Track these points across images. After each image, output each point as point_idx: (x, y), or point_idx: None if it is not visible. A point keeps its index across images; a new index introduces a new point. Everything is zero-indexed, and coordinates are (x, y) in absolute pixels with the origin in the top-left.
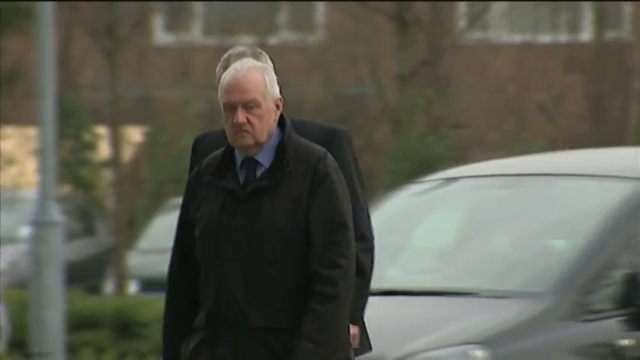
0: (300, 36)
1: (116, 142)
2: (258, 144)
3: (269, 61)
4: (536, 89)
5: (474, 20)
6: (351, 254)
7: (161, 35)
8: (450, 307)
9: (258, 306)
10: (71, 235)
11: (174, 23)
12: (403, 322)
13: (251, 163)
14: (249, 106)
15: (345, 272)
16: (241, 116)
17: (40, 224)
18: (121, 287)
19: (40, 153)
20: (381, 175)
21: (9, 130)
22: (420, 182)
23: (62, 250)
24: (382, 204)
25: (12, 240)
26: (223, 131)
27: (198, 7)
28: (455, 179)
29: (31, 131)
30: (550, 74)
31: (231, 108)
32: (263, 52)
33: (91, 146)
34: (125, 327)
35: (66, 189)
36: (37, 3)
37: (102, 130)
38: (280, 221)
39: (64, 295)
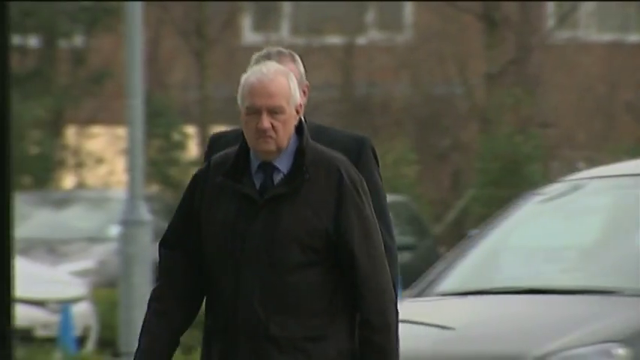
0: (388, 35)
1: (205, 141)
2: (280, 150)
3: (299, 62)
4: (625, 88)
5: (563, 19)
6: (389, 275)
7: (249, 35)
8: (591, 306)
9: (275, 314)
10: (159, 234)
11: (263, 23)
12: (544, 321)
13: (268, 168)
14: (275, 111)
15: (392, 305)
16: (266, 121)
17: (128, 223)
18: None
19: (129, 152)
20: (469, 175)
21: (98, 130)
22: (561, 182)
23: (151, 250)
24: (524, 204)
25: (101, 239)
26: (240, 132)
27: (287, 7)
28: (595, 178)
29: (120, 131)
30: (639, 73)
31: (255, 112)
32: (293, 53)
33: (180, 146)
34: None
35: (154, 188)
36: (126, 3)
37: (190, 130)
38: (299, 229)
39: None
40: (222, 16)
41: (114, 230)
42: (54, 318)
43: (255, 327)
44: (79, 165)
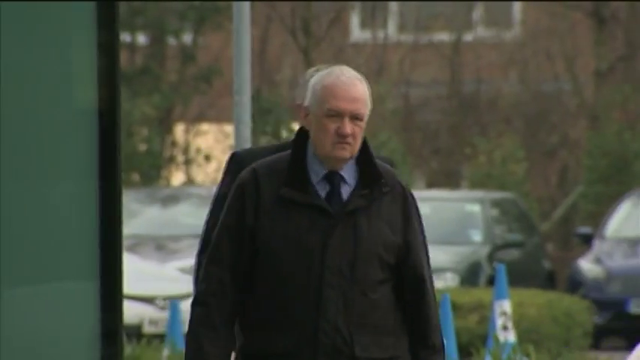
0: (496, 32)
1: None
2: (352, 157)
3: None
4: None
5: None
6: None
7: (357, 32)
8: None
9: (360, 335)
10: None
11: (370, 20)
12: None
13: (335, 178)
14: (356, 117)
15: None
16: (349, 127)
17: None
18: None
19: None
20: (577, 172)
21: (206, 127)
22: None
23: None
24: None
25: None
26: (266, 149)
27: (394, 4)
28: None
29: (228, 128)
30: None
31: (337, 115)
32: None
33: None
34: None
35: None
36: (234, 2)
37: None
38: (378, 245)
39: None
40: (329, 13)
41: None
42: (162, 314)
43: (340, 348)
44: (188, 162)
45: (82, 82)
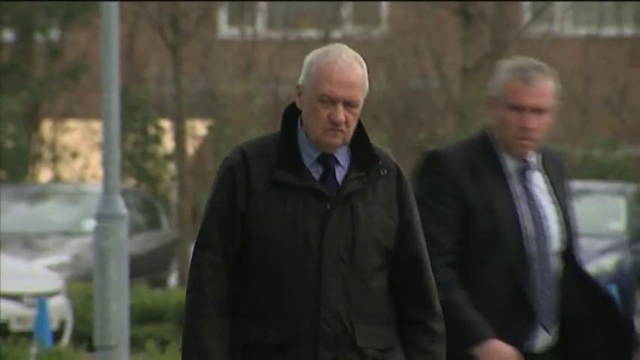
0: (364, 29)
1: (180, 135)
2: (344, 144)
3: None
4: (601, 83)
5: (538, 13)
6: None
7: (225, 29)
8: None
9: (360, 324)
10: (135, 229)
11: (238, 17)
12: None
13: (330, 161)
14: (351, 104)
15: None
16: (342, 114)
17: (104, 217)
18: (184, 280)
19: (105, 146)
20: None
21: (74, 124)
22: None
23: (127, 244)
24: None
25: (76, 233)
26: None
27: (262, 1)
28: None
29: (96, 125)
30: (615, 67)
31: (330, 101)
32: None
33: (156, 140)
34: None
35: (130, 182)
36: None
37: (166, 124)
38: (376, 229)
39: (129, 289)
40: (197, 10)
41: (89, 224)
42: (30, 312)
43: (341, 337)
44: (55, 159)
45: None
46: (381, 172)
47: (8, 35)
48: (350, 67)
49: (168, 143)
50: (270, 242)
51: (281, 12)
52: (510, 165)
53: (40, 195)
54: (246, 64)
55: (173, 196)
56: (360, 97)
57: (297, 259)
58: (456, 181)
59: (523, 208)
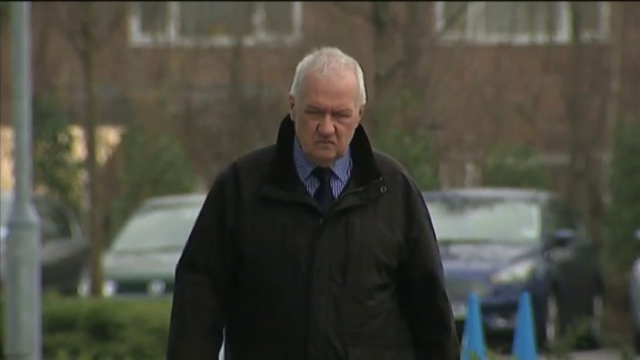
0: (277, 37)
1: (92, 142)
2: (339, 157)
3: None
4: (514, 90)
5: (451, 21)
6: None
7: (137, 36)
8: None
9: (355, 347)
10: (47, 237)
11: (150, 24)
12: None
13: (325, 174)
14: (340, 113)
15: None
16: (330, 125)
17: (15, 226)
18: (96, 289)
19: (15, 154)
20: None
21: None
22: None
23: (38, 252)
24: None
25: None
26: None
27: (174, 8)
28: None
29: (7, 132)
30: (527, 75)
31: (317, 112)
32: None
33: (67, 147)
34: (101, 329)
35: (41, 190)
36: (12, 3)
37: (77, 131)
38: (375, 246)
39: (40, 297)
40: (109, 16)
41: (0, 232)
42: None
43: None
44: None
45: None
46: (381, 190)
47: None
48: (337, 75)
49: (80, 151)
50: (259, 261)
51: (193, 19)
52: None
53: None
54: (159, 71)
55: (84, 204)
56: (351, 106)
57: (286, 279)
58: None
59: None
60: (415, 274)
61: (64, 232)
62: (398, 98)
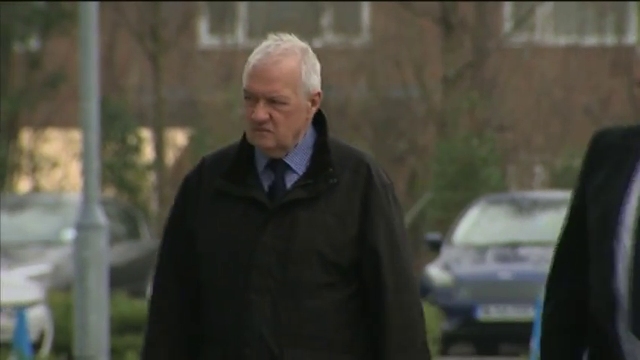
0: (345, 38)
1: (160, 144)
2: (282, 147)
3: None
4: (582, 92)
5: (519, 22)
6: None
7: (206, 38)
8: None
9: (290, 347)
10: (115, 239)
11: (219, 26)
12: None
13: (279, 166)
14: (275, 100)
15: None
16: (262, 112)
17: (84, 227)
18: None
19: (84, 156)
20: (426, 178)
21: (53, 133)
22: None
23: (106, 253)
24: None
25: (56, 243)
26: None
27: (242, 10)
28: None
29: (75, 134)
30: (596, 77)
31: (252, 98)
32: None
33: (135, 149)
34: None
35: (110, 192)
36: (81, 5)
37: (146, 133)
38: (321, 243)
39: (108, 299)
40: (177, 18)
41: (69, 234)
42: (9, 322)
43: None
44: (34, 169)
45: None
46: (330, 181)
47: None
48: (273, 60)
49: (148, 153)
50: (208, 259)
51: (261, 21)
52: None
53: (19, 205)
54: (226, 74)
55: (153, 205)
56: (287, 93)
57: (228, 276)
58: None
59: None
60: (364, 277)
61: (133, 233)
62: (466, 100)
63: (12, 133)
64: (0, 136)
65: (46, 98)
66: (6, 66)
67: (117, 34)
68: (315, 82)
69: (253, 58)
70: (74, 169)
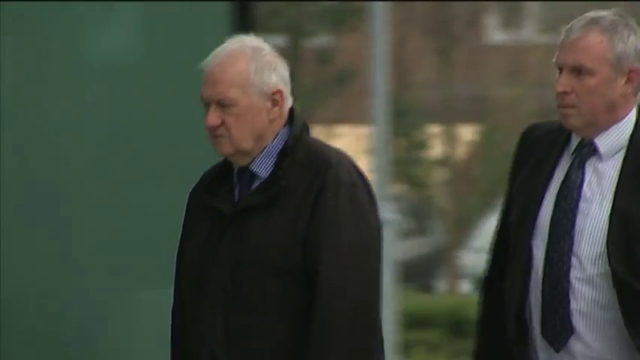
0: None
1: (449, 140)
2: (242, 152)
3: (634, 28)
4: None
5: None
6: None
7: (495, 33)
8: None
9: None
10: (404, 234)
11: (509, 21)
12: None
13: (245, 174)
14: (223, 103)
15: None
16: (212, 117)
17: None
18: (453, 286)
19: (374, 152)
20: None
21: (343, 129)
22: None
23: (396, 249)
24: None
25: None
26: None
27: (533, 6)
28: None
29: (365, 130)
30: None
31: (205, 104)
32: (627, 19)
33: (424, 145)
34: (458, 326)
35: (399, 188)
36: (371, 3)
37: (434, 129)
38: (272, 251)
39: (398, 294)
40: (467, 14)
41: None
42: None
43: None
44: None
45: None
46: (282, 183)
47: (278, 40)
48: (217, 62)
49: (437, 148)
50: (184, 273)
51: (552, 16)
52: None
53: None
54: (516, 69)
55: (441, 201)
56: (234, 94)
57: (191, 291)
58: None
59: None
60: (316, 284)
61: (422, 229)
62: None
63: None
64: None
65: (336, 94)
66: (297, 63)
67: (406, 30)
68: (271, 80)
69: (205, 62)
70: (363, 164)
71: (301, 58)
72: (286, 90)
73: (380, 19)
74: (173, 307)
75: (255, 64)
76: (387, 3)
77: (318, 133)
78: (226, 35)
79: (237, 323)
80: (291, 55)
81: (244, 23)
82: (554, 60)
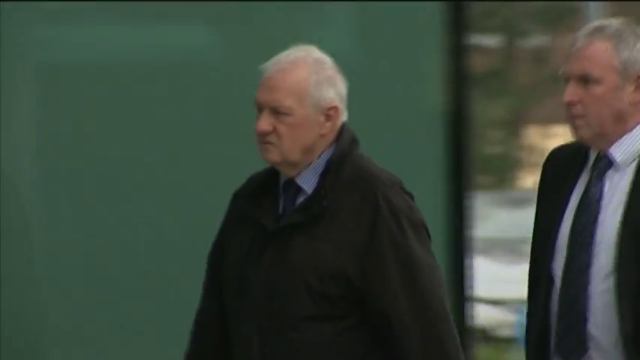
0: None
1: None
2: (289, 163)
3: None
4: None
5: None
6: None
7: None
8: None
9: None
10: None
11: None
12: None
13: (291, 187)
14: (277, 111)
15: None
16: (264, 123)
17: None
18: None
19: None
20: None
21: (558, 129)
22: None
23: None
24: None
25: None
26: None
27: None
28: None
29: None
30: None
31: (259, 108)
32: (633, 27)
33: None
34: None
35: None
36: (587, 2)
37: None
38: (308, 271)
39: None
40: None
41: None
42: (513, 317)
43: None
44: (538, 165)
45: (431, 83)
46: (324, 203)
47: (493, 40)
48: (280, 68)
49: None
50: (224, 280)
51: None
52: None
53: (523, 200)
54: None
55: None
56: (289, 103)
57: (231, 302)
58: None
59: None
60: (370, 314)
61: None
62: None
63: (516, 129)
64: (505, 132)
65: (551, 94)
66: (512, 62)
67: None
68: (329, 94)
69: (265, 66)
70: None
71: (516, 57)
72: (342, 107)
73: (595, 18)
74: (200, 307)
75: (316, 76)
76: (603, 2)
77: (533, 133)
78: (441, 36)
79: (271, 339)
80: (506, 54)
81: (459, 23)
82: (560, 72)
